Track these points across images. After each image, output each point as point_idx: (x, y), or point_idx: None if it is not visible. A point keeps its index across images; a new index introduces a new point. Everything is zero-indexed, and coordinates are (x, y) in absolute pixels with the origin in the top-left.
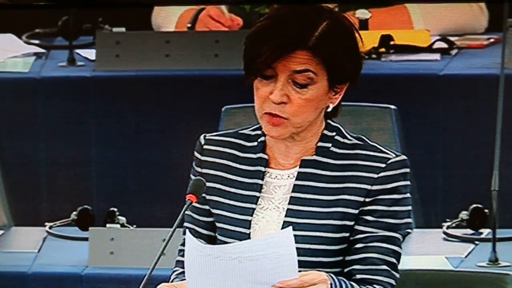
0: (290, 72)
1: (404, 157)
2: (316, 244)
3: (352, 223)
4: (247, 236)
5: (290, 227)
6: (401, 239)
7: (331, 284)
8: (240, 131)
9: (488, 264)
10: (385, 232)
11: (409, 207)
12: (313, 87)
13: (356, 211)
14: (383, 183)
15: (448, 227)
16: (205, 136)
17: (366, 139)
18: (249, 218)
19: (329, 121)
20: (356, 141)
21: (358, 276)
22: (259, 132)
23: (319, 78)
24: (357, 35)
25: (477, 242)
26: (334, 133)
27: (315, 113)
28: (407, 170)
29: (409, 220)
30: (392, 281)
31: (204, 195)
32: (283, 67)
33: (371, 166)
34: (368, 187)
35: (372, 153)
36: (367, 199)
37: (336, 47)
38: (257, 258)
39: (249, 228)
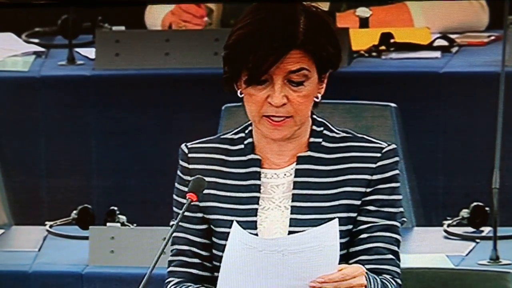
0: (285, 73)
1: (394, 145)
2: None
3: (356, 214)
4: None
5: (336, 219)
6: (399, 227)
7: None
8: (222, 136)
9: (489, 262)
10: (387, 221)
11: (401, 196)
12: (308, 83)
13: (359, 202)
14: (382, 172)
15: (448, 225)
16: (186, 145)
17: (352, 131)
18: (254, 218)
19: (314, 116)
20: (344, 134)
21: (366, 267)
22: (242, 134)
23: (312, 73)
24: (328, 19)
25: (478, 240)
26: (322, 128)
27: (310, 107)
28: (398, 158)
29: (402, 209)
30: (398, 270)
31: (197, 203)
32: (279, 70)
33: (367, 157)
34: (368, 177)
35: (364, 144)
36: (368, 189)
37: (320, 37)
38: (301, 251)
39: (255, 229)
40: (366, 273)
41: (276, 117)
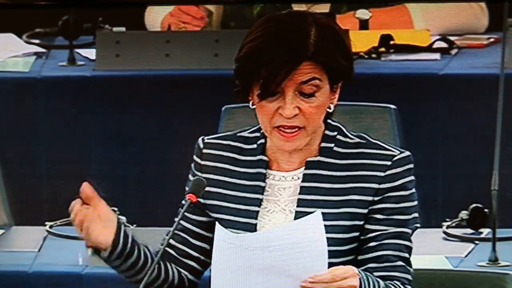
0: (297, 85)
1: (408, 153)
2: (327, 246)
3: (361, 222)
4: None
5: (319, 211)
6: (411, 234)
7: (360, 278)
8: (238, 134)
9: (488, 263)
10: (396, 228)
11: (416, 202)
12: (319, 93)
13: (365, 211)
14: (391, 181)
15: (448, 227)
16: (203, 139)
17: (368, 137)
18: (254, 221)
19: (329, 121)
20: (359, 140)
21: (376, 274)
22: (258, 134)
23: (323, 83)
24: (339, 29)
25: (477, 242)
26: (335, 133)
27: (322, 117)
28: (412, 165)
29: (417, 214)
30: (409, 276)
31: (204, 200)
32: (290, 82)
33: (376, 165)
34: (376, 185)
35: (376, 151)
36: (376, 198)
37: (331, 48)
38: (287, 247)
39: (255, 231)
40: (363, 274)
41: (287, 128)
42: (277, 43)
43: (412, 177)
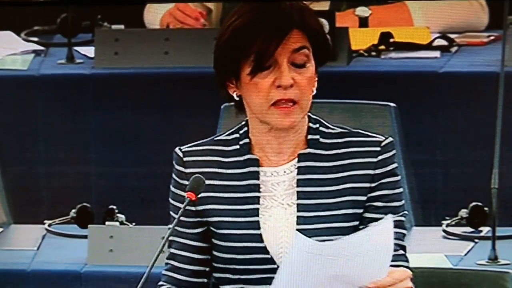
0: (289, 54)
1: (391, 138)
2: (330, 236)
3: (361, 210)
4: (259, 237)
5: (390, 215)
6: (404, 221)
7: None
8: (215, 138)
9: (487, 262)
10: (394, 216)
11: (402, 189)
12: (309, 65)
13: (364, 198)
14: (383, 166)
15: (447, 225)
16: (180, 149)
17: (347, 127)
18: (256, 218)
19: (309, 114)
20: (340, 130)
21: None
22: (236, 135)
23: (310, 56)
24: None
25: (476, 240)
26: (317, 125)
27: (312, 93)
28: (395, 151)
29: (403, 201)
30: (409, 265)
31: (196, 207)
32: (282, 50)
33: (366, 151)
34: (371, 172)
35: (361, 139)
36: (373, 184)
37: (316, 23)
38: (358, 254)
39: (259, 229)
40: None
41: (284, 101)
42: (264, 15)
43: (397, 163)
